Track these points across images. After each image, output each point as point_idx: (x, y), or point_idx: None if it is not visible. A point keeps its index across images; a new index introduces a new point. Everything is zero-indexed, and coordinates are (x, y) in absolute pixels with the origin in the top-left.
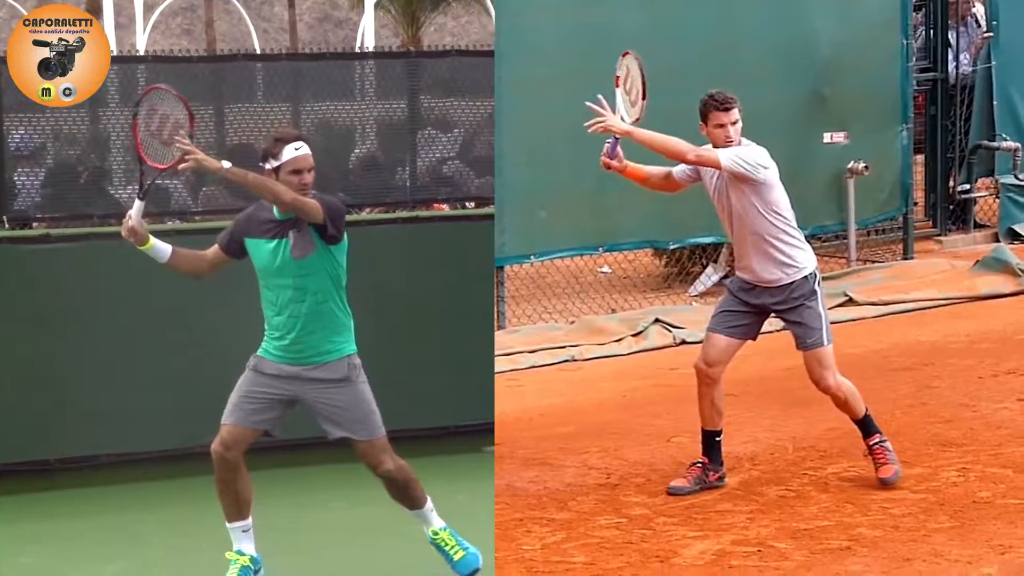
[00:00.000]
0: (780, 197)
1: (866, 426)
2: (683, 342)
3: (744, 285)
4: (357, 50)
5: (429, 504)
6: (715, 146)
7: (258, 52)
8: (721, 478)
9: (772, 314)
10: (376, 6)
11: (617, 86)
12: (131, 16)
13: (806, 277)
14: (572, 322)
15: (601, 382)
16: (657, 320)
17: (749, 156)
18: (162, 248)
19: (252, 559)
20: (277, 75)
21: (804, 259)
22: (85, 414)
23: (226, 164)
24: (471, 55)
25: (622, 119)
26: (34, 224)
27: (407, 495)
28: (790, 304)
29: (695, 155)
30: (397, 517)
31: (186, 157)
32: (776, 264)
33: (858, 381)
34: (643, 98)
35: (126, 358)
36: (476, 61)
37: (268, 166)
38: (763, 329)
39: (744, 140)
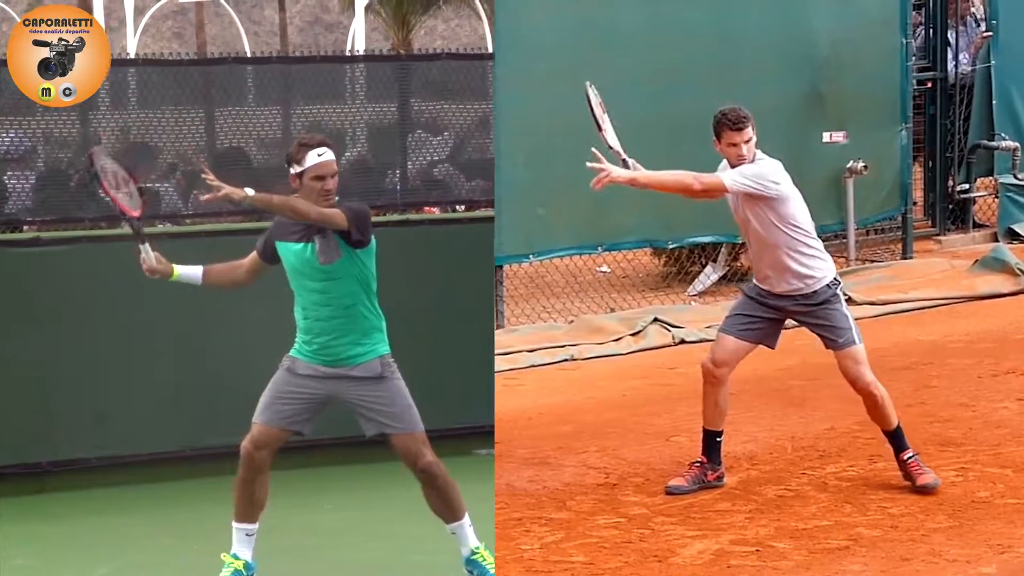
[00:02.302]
0: (796, 209)
1: (899, 440)
2: (682, 341)
3: (762, 291)
4: (347, 53)
5: (467, 519)
6: (729, 163)
7: (248, 55)
8: (720, 477)
9: (792, 319)
10: (367, 9)
11: (605, 111)
12: (122, 19)
13: (828, 284)
14: (571, 321)
15: (600, 381)
16: (656, 319)
17: (754, 174)
18: (191, 273)
19: (246, 564)
20: (268, 78)
21: (823, 268)
22: (76, 417)
23: (249, 191)
24: (461, 58)
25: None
26: (24, 227)
27: (447, 500)
28: (812, 309)
29: (700, 185)
30: (385, 520)
31: (216, 193)
32: (795, 276)
33: None
34: (599, 130)
35: (117, 361)
36: (466, 64)
37: (292, 171)
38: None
39: (759, 154)
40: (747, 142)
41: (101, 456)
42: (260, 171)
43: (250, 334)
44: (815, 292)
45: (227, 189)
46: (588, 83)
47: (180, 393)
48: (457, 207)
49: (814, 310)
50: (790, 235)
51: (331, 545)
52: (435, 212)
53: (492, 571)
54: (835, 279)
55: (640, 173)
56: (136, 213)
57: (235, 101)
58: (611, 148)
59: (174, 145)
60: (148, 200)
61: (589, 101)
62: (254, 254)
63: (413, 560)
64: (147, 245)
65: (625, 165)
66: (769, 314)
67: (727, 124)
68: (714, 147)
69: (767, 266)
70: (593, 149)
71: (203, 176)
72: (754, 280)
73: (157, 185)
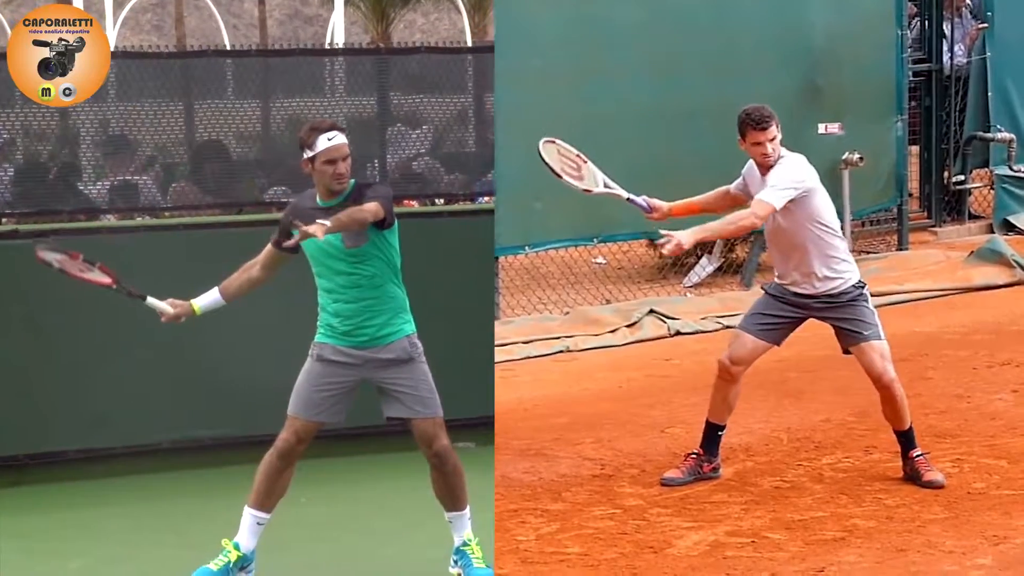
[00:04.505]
0: (821, 203)
1: (910, 439)
2: (678, 333)
3: (785, 290)
4: (327, 46)
5: (468, 511)
6: (755, 162)
7: (228, 48)
8: (715, 469)
9: (815, 317)
10: (346, 3)
11: (585, 161)
12: (101, 12)
13: (854, 285)
14: (567, 313)
15: (596, 373)
16: (652, 311)
17: (784, 182)
18: (210, 300)
19: (242, 557)
20: (247, 71)
21: (848, 271)
22: (53, 410)
23: (326, 223)
24: (441, 52)
25: (607, 185)
26: (3, 220)
27: (453, 488)
28: (838, 306)
29: (760, 219)
30: (361, 514)
31: (308, 237)
32: (820, 279)
33: (853, 372)
34: (560, 177)
35: (94, 354)
36: (445, 58)
37: (304, 156)
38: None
39: (783, 151)
40: (771, 140)
41: (78, 449)
42: (238, 164)
43: (232, 327)
44: (841, 293)
45: (308, 230)
46: (544, 140)
47: (160, 386)
48: (436, 200)
49: (840, 307)
50: (817, 234)
51: (308, 538)
52: (414, 205)
53: (476, 564)
54: (861, 281)
55: (704, 230)
56: (109, 280)
57: (214, 94)
58: (589, 192)
59: (153, 138)
60: (104, 265)
61: (545, 161)
62: (268, 248)
63: (387, 554)
64: (149, 299)
65: (640, 205)
66: (792, 313)
67: (751, 124)
68: (739, 146)
69: (793, 268)
70: (662, 232)
71: (299, 228)
72: (776, 280)
73: (136, 178)
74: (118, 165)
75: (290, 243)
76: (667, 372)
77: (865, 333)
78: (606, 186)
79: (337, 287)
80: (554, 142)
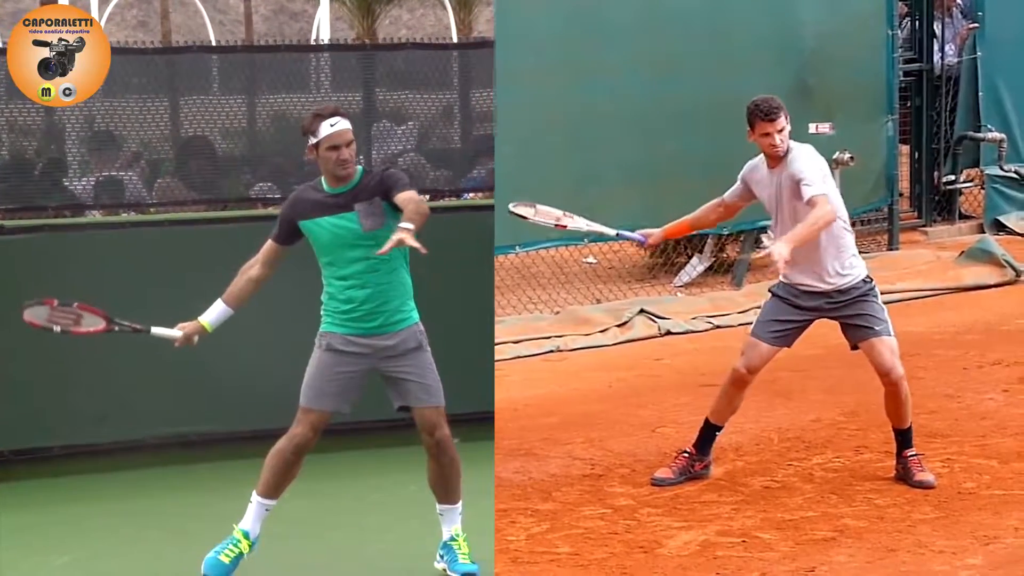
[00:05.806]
0: (833, 195)
1: (907, 438)
2: (668, 332)
3: (794, 291)
4: (312, 42)
5: (459, 506)
6: (764, 154)
7: (213, 44)
8: (706, 467)
9: (826, 318)
10: None
11: (571, 217)
12: (87, 7)
13: (864, 280)
14: (557, 312)
15: (586, 372)
16: (642, 311)
17: (816, 171)
18: (217, 313)
19: (251, 546)
20: (232, 67)
21: (857, 266)
22: (37, 406)
23: (409, 226)
24: (426, 48)
25: (589, 226)
26: None
27: (449, 480)
28: (848, 303)
29: (830, 215)
30: (348, 510)
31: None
32: (829, 275)
33: (844, 371)
34: (525, 219)
35: (78, 349)
36: (431, 54)
37: (308, 143)
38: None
39: (792, 144)
40: (780, 131)
41: (63, 445)
42: (224, 160)
43: (222, 323)
44: (851, 288)
45: (413, 242)
46: (518, 204)
47: (143, 382)
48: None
49: (850, 304)
50: (831, 228)
51: (295, 535)
52: None
53: (461, 559)
54: (869, 276)
55: (793, 238)
56: (103, 325)
57: (200, 90)
58: (564, 227)
59: (138, 134)
60: (83, 304)
61: (513, 212)
62: (269, 244)
63: (376, 549)
64: (154, 329)
65: (633, 238)
66: (803, 316)
67: (759, 115)
68: (748, 138)
69: (803, 266)
70: (776, 259)
71: (400, 242)
72: (782, 279)
73: (121, 174)
74: (103, 161)
75: (383, 250)
76: (657, 372)
77: (876, 328)
78: (588, 227)
79: (352, 274)
80: (533, 206)
